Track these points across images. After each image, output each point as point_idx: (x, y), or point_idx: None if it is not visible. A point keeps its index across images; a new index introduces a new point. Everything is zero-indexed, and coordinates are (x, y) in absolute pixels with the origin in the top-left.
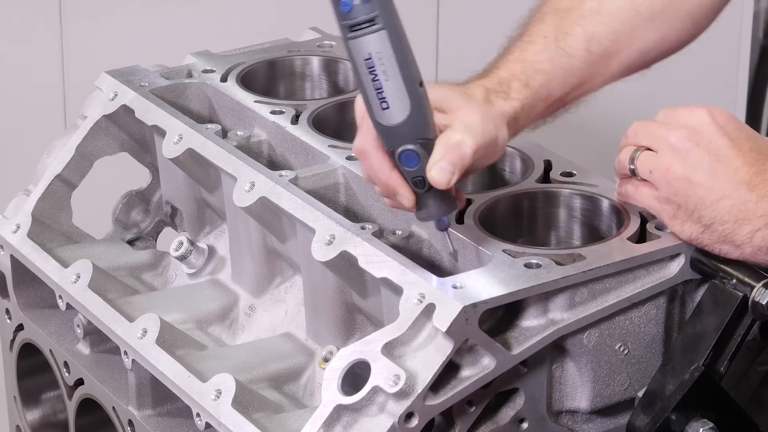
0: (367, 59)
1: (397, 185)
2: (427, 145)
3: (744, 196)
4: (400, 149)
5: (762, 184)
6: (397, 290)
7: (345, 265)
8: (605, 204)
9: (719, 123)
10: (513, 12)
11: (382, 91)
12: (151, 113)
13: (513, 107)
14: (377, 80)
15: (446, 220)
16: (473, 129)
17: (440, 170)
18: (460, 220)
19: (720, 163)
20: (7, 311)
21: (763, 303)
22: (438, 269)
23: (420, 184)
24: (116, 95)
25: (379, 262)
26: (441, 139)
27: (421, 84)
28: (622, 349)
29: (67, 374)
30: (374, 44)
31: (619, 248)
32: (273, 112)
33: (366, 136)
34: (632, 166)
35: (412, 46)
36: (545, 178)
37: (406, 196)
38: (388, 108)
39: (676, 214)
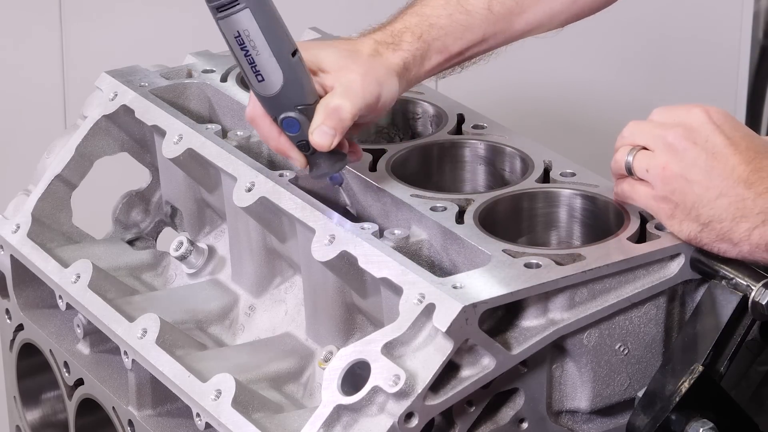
0: (236, 36)
1: (286, 148)
2: (307, 111)
3: (741, 193)
4: (281, 116)
5: (759, 181)
6: (397, 290)
7: (345, 265)
8: (605, 204)
9: (715, 121)
10: None
11: (255, 66)
12: (151, 113)
13: (403, 58)
14: (249, 55)
15: (338, 176)
16: (352, 90)
17: (321, 134)
18: (460, 220)
19: (717, 161)
20: (7, 311)
21: (763, 303)
22: (438, 269)
23: (305, 147)
24: (116, 95)
25: (378, 262)
26: (321, 104)
27: (294, 53)
28: (622, 349)
29: (67, 374)
30: (240, 22)
31: (619, 248)
32: None
33: (254, 105)
34: (628, 165)
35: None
36: (545, 178)
37: (297, 158)
38: (263, 80)
39: (674, 213)
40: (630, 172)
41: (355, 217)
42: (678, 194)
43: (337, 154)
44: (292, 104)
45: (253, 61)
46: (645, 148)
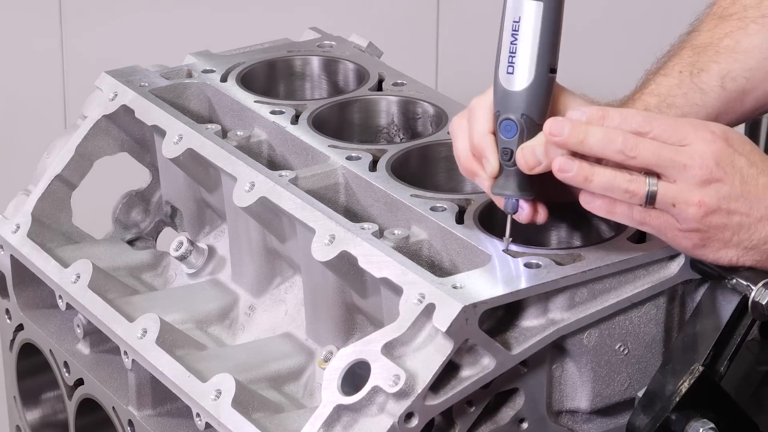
0: (515, 21)
1: (487, 148)
2: (530, 125)
3: None
4: (503, 116)
5: None
6: (397, 290)
7: (345, 265)
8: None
9: (729, 142)
10: None
11: (513, 56)
12: (151, 113)
13: None
14: (514, 43)
15: (516, 203)
16: None
17: (532, 154)
18: (460, 220)
19: (748, 184)
20: (7, 311)
21: (763, 303)
22: (438, 269)
23: (506, 156)
24: (116, 95)
25: (378, 262)
26: None
27: (552, 71)
28: (622, 349)
29: (67, 374)
30: (528, 11)
31: (619, 248)
32: (273, 112)
33: (483, 96)
34: (651, 196)
35: (417, 48)
36: None
37: (491, 162)
38: (512, 73)
39: (705, 243)
40: (648, 202)
41: (507, 250)
42: (714, 227)
43: (527, 183)
44: (521, 110)
45: (515, 51)
46: (655, 173)
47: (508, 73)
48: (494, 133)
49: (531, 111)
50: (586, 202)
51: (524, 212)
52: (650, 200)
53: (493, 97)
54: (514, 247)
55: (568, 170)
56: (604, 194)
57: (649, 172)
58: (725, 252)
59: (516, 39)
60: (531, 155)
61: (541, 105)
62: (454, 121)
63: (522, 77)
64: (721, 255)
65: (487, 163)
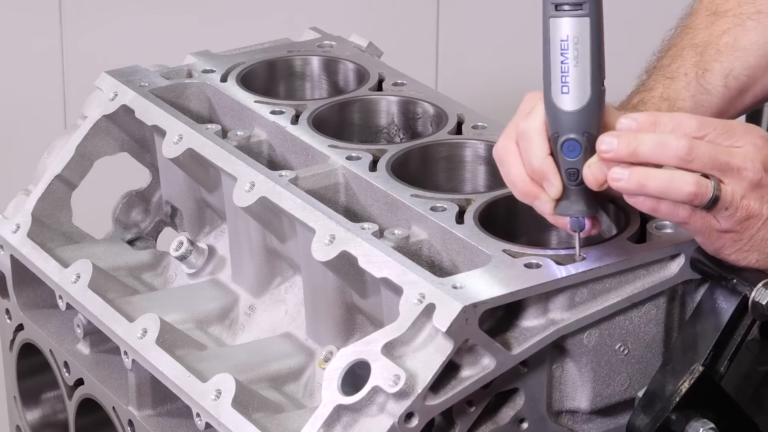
0: (563, 40)
1: (550, 171)
2: (592, 141)
3: None
4: (564, 137)
5: None
6: (397, 290)
7: (345, 265)
8: (606, 206)
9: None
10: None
11: (566, 75)
12: (151, 113)
13: None
14: (566, 63)
15: (583, 221)
16: None
17: (599, 170)
18: (460, 220)
19: None
20: (7, 311)
21: (763, 303)
22: (438, 269)
23: (573, 177)
24: (116, 95)
25: (379, 262)
26: None
27: (602, 83)
28: (622, 349)
29: (67, 374)
30: (575, 28)
31: (619, 248)
32: (273, 112)
33: (534, 118)
34: (714, 199)
35: (417, 48)
36: None
37: (555, 184)
38: (567, 93)
39: (736, 244)
40: (709, 205)
41: (573, 263)
42: (749, 229)
43: (592, 198)
44: (583, 128)
45: (567, 70)
46: (712, 176)
47: (563, 93)
48: (552, 155)
49: (592, 128)
50: (630, 197)
51: (587, 227)
52: (713, 203)
53: (545, 118)
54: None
55: (619, 179)
56: (659, 196)
57: (704, 175)
58: (748, 254)
59: (567, 58)
60: (599, 171)
61: (600, 120)
62: (501, 146)
63: (578, 96)
64: (744, 257)
65: (551, 186)
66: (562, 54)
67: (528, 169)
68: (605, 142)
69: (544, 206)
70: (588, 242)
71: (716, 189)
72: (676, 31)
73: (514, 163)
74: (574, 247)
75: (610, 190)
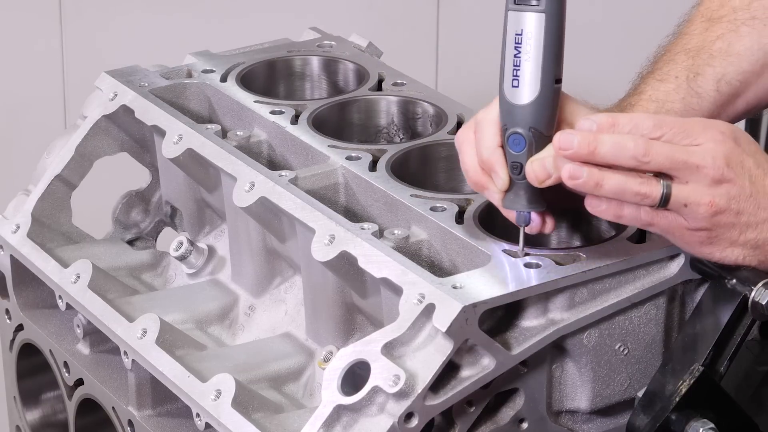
0: (517, 34)
1: (497, 163)
2: (538, 137)
3: None
4: (511, 130)
5: None
6: (396, 290)
7: (345, 265)
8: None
9: (737, 141)
10: None
11: (518, 69)
12: (150, 113)
13: None
14: (518, 57)
15: (528, 216)
16: None
17: (541, 167)
18: (460, 220)
19: (755, 184)
20: (7, 311)
21: (763, 303)
22: (438, 269)
23: (516, 170)
24: (116, 95)
25: (378, 262)
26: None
27: (557, 81)
28: (622, 349)
29: (67, 374)
30: (530, 23)
31: (619, 248)
32: (273, 112)
33: (491, 110)
34: (665, 198)
35: (417, 48)
36: None
37: (501, 176)
38: (517, 87)
39: (712, 240)
40: (661, 203)
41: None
42: (722, 226)
43: (538, 196)
44: (529, 124)
45: (519, 64)
46: (668, 175)
47: (513, 86)
48: (502, 147)
49: (539, 124)
50: (593, 207)
51: (534, 224)
52: (664, 202)
53: (494, 110)
54: (528, 259)
55: (578, 177)
56: (614, 198)
57: (660, 175)
58: (731, 251)
59: (519, 52)
60: (541, 168)
61: (549, 117)
62: (460, 133)
63: (528, 90)
64: (727, 254)
65: (497, 177)
66: (515, 47)
67: (479, 158)
68: (565, 140)
69: (492, 197)
70: (588, 242)
71: (666, 188)
72: (671, 38)
73: (468, 152)
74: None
75: (573, 195)
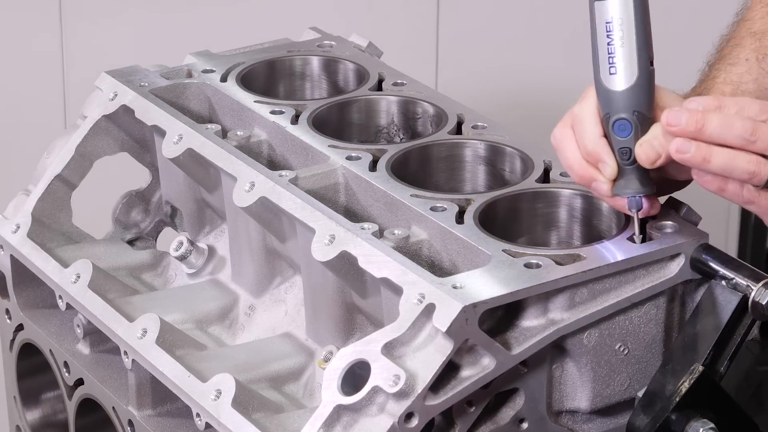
0: (608, 22)
1: (604, 152)
2: (642, 120)
3: None
4: (615, 116)
5: None
6: (397, 290)
7: (345, 265)
8: (605, 204)
9: None
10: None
11: (612, 56)
12: (150, 113)
13: None
14: (612, 44)
15: (640, 201)
16: None
17: (651, 147)
18: (460, 220)
19: None
20: (7, 311)
21: (763, 303)
22: (438, 269)
23: (625, 155)
24: (116, 95)
25: (378, 262)
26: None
27: (651, 62)
28: (622, 349)
29: (67, 374)
30: (619, 10)
31: (619, 248)
32: (273, 112)
33: (586, 103)
34: None
35: (417, 48)
36: (545, 178)
37: (610, 164)
38: (615, 73)
39: None
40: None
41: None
42: None
43: (648, 178)
44: (632, 108)
45: (613, 51)
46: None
47: (611, 74)
48: (605, 136)
49: (641, 106)
50: (698, 176)
51: (645, 207)
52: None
53: (596, 101)
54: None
55: (685, 151)
56: (720, 174)
57: (765, 156)
58: None
59: (612, 40)
60: (651, 149)
61: (649, 98)
62: (557, 131)
63: (626, 75)
64: None
65: (606, 166)
66: (608, 36)
67: (583, 152)
68: (673, 116)
69: (601, 188)
70: (588, 242)
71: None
72: (733, 26)
73: (569, 147)
74: (633, 230)
75: (669, 173)
